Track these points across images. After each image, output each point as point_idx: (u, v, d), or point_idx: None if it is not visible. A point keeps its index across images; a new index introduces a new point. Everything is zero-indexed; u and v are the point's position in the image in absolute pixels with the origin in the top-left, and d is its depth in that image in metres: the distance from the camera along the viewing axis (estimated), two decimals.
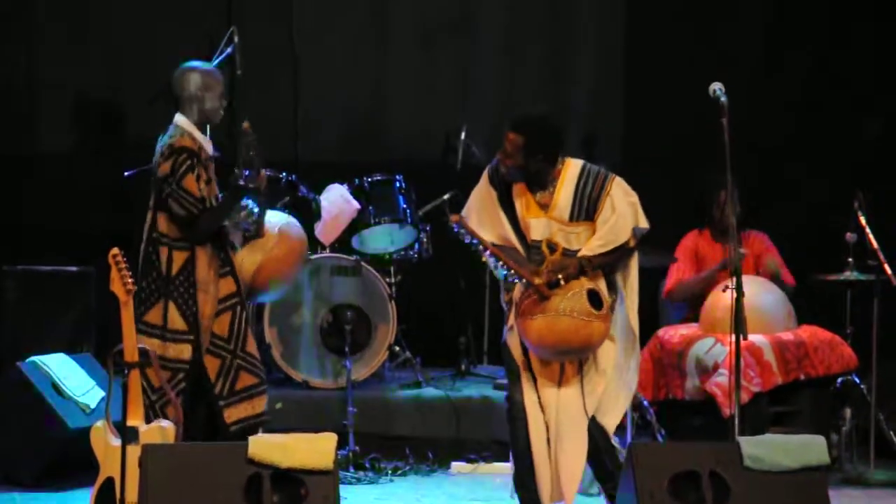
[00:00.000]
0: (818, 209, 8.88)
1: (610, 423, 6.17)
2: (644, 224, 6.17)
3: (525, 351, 6.16)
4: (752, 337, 7.22)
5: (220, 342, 6.27)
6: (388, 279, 8.36)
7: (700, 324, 7.81)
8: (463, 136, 8.88)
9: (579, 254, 6.10)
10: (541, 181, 6.14)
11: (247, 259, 6.46)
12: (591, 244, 6.10)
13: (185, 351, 6.20)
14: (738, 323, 6.17)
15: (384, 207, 8.38)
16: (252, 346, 6.35)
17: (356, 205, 8.30)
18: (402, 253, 8.53)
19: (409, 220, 8.39)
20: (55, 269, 8.17)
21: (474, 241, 6.05)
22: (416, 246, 8.53)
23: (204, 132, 6.32)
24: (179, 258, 6.20)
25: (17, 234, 8.75)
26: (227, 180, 6.28)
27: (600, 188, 6.11)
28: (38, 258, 8.31)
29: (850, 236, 7.74)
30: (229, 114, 8.96)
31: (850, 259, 7.75)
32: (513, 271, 6.05)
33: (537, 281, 6.00)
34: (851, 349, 7.85)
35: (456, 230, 6.06)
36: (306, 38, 9.25)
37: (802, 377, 7.66)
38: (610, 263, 6.16)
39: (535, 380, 6.14)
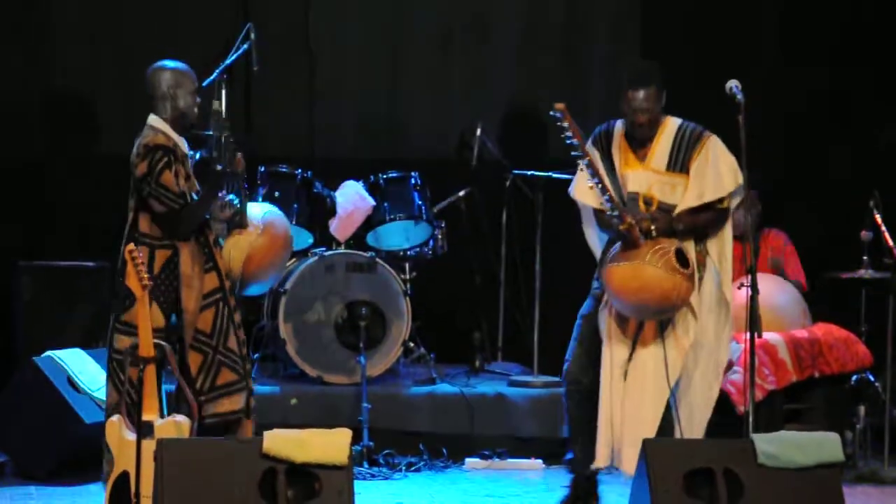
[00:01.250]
0: (836, 206, 8.85)
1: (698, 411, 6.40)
2: (740, 181, 6.25)
3: (613, 322, 6.27)
4: (767, 335, 7.22)
5: (204, 338, 6.29)
6: (402, 275, 8.37)
7: None
8: (478, 132, 8.88)
9: (674, 213, 6.21)
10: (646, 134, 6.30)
11: (234, 251, 6.46)
12: (687, 196, 6.22)
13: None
14: (753, 321, 6.18)
15: (399, 204, 8.39)
16: (233, 343, 6.35)
17: (371, 201, 8.31)
18: (417, 249, 8.54)
19: (424, 216, 8.40)
20: (70, 265, 8.19)
21: (572, 140, 6.07)
22: (431, 242, 8.53)
23: (181, 131, 6.34)
24: (161, 257, 6.21)
25: (33, 229, 8.76)
26: (206, 172, 6.37)
27: (697, 139, 6.29)
28: (53, 253, 8.33)
29: (866, 234, 7.73)
30: (246, 109, 9.08)
31: (866, 257, 7.75)
32: (607, 193, 6.08)
33: (629, 220, 6.08)
34: (866, 347, 7.85)
35: (558, 118, 6.05)
36: (322, 35, 9.25)
37: (817, 375, 7.66)
38: (702, 226, 6.27)
39: (612, 353, 6.27)
